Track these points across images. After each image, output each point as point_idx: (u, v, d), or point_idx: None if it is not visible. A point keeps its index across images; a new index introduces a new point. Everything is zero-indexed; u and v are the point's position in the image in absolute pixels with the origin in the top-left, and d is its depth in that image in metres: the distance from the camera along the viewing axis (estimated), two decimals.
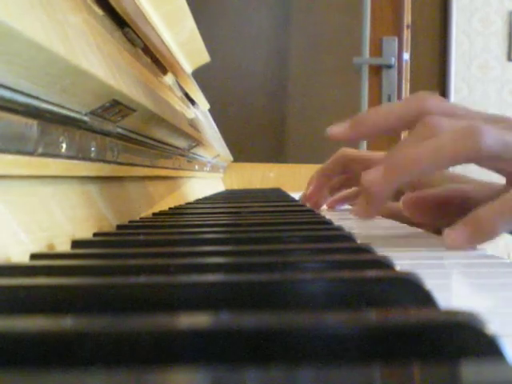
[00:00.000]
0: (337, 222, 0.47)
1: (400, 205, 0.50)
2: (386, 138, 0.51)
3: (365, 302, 0.21)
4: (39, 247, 0.33)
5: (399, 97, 2.30)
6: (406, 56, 2.33)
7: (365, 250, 0.31)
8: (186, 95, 1.20)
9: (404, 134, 0.49)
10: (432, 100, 0.45)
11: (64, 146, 0.38)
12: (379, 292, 0.21)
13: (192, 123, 1.01)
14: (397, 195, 0.54)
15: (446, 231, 0.40)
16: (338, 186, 0.78)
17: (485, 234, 0.39)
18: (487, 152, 0.39)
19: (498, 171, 0.44)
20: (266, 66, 2.58)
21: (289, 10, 2.58)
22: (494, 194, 0.42)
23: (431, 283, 0.21)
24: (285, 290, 0.21)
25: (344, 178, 0.77)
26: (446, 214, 0.48)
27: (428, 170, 0.40)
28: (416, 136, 0.42)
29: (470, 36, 2.62)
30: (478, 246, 0.41)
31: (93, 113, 0.42)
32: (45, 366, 0.15)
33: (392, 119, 0.46)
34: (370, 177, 0.41)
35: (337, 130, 0.47)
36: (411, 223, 0.54)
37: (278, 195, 1.05)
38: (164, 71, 0.97)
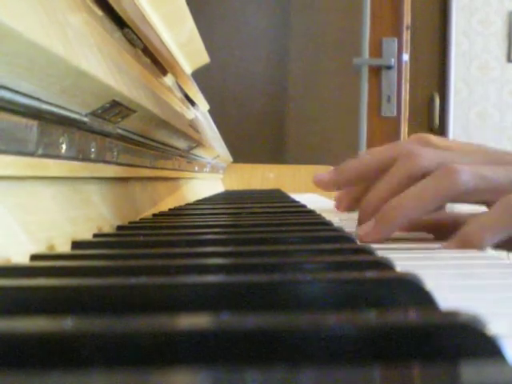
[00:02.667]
0: (337, 223, 0.47)
1: None
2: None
3: (365, 302, 0.21)
4: (39, 248, 0.33)
5: (399, 98, 2.30)
6: (406, 57, 2.33)
7: (365, 250, 0.31)
8: (186, 96, 1.20)
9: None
10: (410, 143, 0.51)
11: (64, 146, 0.38)
12: (379, 293, 0.21)
13: (192, 124, 1.01)
14: None
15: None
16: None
17: (473, 247, 0.41)
18: (465, 188, 0.43)
19: (481, 203, 0.46)
20: (265, 66, 2.59)
21: (288, 11, 2.58)
22: None
23: (430, 284, 0.21)
24: (285, 291, 0.21)
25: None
26: (440, 236, 0.50)
27: (415, 215, 0.44)
28: (398, 169, 0.46)
29: (469, 37, 2.62)
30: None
31: (93, 114, 0.42)
32: (45, 367, 0.15)
33: (373, 163, 0.51)
34: (363, 231, 0.45)
35: (320, 177, 0.52)
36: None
37: (277, 196, 1.05)
38: (164, 72, 0.97)
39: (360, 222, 0.48)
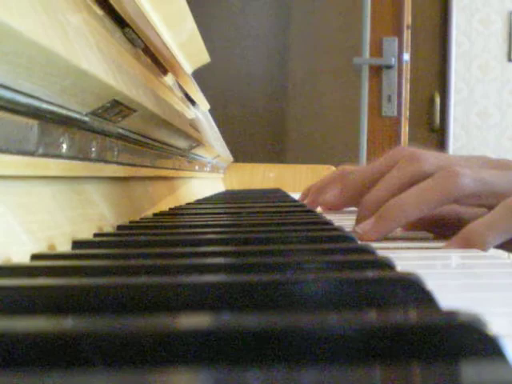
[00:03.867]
0: (337, 223, 0.47)
1: None
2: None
3: (366, 302, 0.21)
4: (40, 248, 0.33)
5: (399, 97, 2.30)
6: (407, 56, 2.33)
7: (366, 250, 0.31)
8: (187, 95, 1.20)
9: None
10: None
11: (64, 146, 0.38)
12: (380, 293, 0.21)
13: (192, 123, 1.01)
14: None
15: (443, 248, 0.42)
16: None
17: (476, 246, 0.41)
18: (467, 191, 0.43)
19: (481, 207, 0.47)
20: (266, 66, 2.59)
21: (289, 11, 2.58)
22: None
23: (431, 284, 0.21)
24: (285, 291, 0.21)
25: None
26: (441, 232, 0.50)
27: (414, 215, 0.45)
28: (399, 171, 0.47)
29: (470, 36, 2.62)
30: None
31: (93, 113, 0.42)
32: (46, 367, 0.15)
33: (375, 174, 0.52)
34: (362, 229, 0.45)
35: (329, 200, 0.51)
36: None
37: (278, 196, 1.05)
38: (164, 71, 0.97)
39: (358, 220, 0.48)
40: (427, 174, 0.45)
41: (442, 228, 0.50)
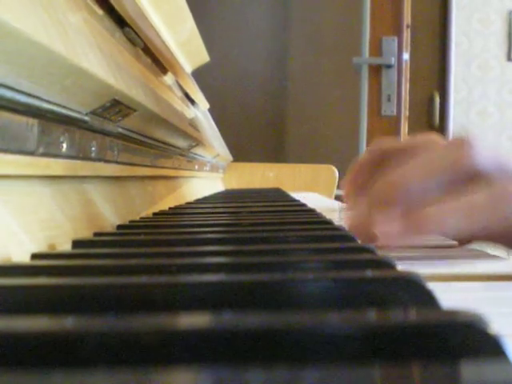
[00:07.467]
0: (337, 222, 0.47)
1: None
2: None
3: (366, 302, 0.21)
4: (40, 247, 0.33)
5: (399, 97, 2.30)
6: (406, 56, 2.33)
7: (366, 249, 0.31)
8: (186, 95, 1.20)
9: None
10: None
11: (64, 145, 0.38)
12: (381, 292, 0.21)
13: (192, 123, 1.01)
14: None
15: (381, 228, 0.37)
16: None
17: (418, 231, 0.35)
18: None
19: None
20: (265, 65, 2.58)
21: (288, 10, 2.58)
22: None
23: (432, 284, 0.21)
24: (286, 290, 0.21)
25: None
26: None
27: (455, 233, 0.37)
28: (445, 154, 0.38)
29: (469, 36, 2.62)
30: (477, 246, 0.41)
31: (93, 112, 0.42)
32: (46, 367, 0.15)
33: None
34: (387, 234, 0.37)
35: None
36: None
37: (277, 195, 1.05)
38: (164, 71, 0.97)
39: (377, 207, 0.38)
40: (478, 170, 0.36)
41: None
